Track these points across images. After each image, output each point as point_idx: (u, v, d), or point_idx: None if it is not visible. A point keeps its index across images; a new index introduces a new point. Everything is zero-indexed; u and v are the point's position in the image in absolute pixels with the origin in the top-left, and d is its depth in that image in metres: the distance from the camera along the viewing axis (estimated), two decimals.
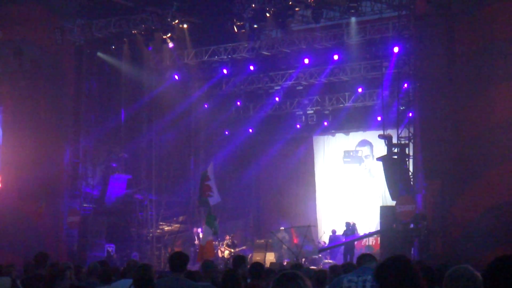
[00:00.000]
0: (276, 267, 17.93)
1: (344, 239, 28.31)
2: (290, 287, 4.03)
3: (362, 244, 29.73)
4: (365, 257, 7.90)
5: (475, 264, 5.36)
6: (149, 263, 8.54)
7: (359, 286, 7.53)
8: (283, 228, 28.60)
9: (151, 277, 7.09)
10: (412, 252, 22.93)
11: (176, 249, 26.38)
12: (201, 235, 26.87)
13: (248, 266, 9.61)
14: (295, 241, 26.30)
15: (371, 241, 29.75)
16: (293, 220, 30.90)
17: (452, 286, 4.64)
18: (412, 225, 23.09)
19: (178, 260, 8.00)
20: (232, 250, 28.56)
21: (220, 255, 28.28)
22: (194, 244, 29.58)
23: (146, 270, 7.10)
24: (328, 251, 29.48)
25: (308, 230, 25.91)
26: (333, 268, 11.18)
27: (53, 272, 7.56)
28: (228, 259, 27.31)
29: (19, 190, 27.88)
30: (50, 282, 7.57)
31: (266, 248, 28.56)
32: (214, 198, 23.27)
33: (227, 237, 29.53)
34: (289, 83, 31.94)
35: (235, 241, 29.63)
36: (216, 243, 28.32)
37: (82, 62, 29.11)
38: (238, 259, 10.14)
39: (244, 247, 30.44)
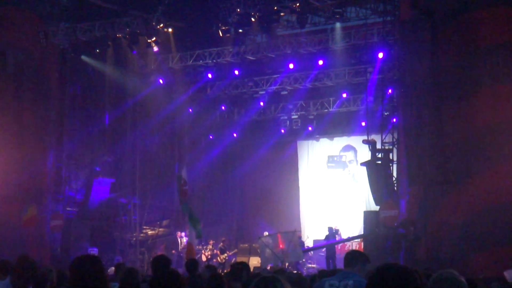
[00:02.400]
0: (260, 271, 17.93)
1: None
2: None
3: (346, 248, 29.75)
4: (355, 255, 7.71)
5: (458, 269, 5.40)
6: (135, 268, 8.52)
7: None
8: (267, 233, 28.58)
9: (137, 282, 7.07)
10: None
11: (159, 253, 26.34)
12: (185, 240, 27.18)
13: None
14: (281, 246, 26.28)
15: (354, 245, 29.78)
16: (276, 225, 30.89)
17: None
18: (401, 230, 23.03)
19: (161, 264, 7.98)
20: (225, 255, 28.62)
21: (203, 259, 28.22)
22: (178, 248, 29.52)
23: (133, 275, 7.08)
24: (312, 256, 29.47)
25: (294, 235, 25.99)
26: (322, 273, 11.18)
27: (44, 275, 7.52)
28: (223, 263, 27.72)
29: (2, 194, 27.71)
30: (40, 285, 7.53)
31: (250, 252, 28.54)
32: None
33: (211, 242, 29.49)
34: (274, 88, 31.97)
35: (226, 246, 29.57)
36: (200, 247, 28.29)
37: (66, 66, 29.02)
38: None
39: (235, 251, 30.36)
